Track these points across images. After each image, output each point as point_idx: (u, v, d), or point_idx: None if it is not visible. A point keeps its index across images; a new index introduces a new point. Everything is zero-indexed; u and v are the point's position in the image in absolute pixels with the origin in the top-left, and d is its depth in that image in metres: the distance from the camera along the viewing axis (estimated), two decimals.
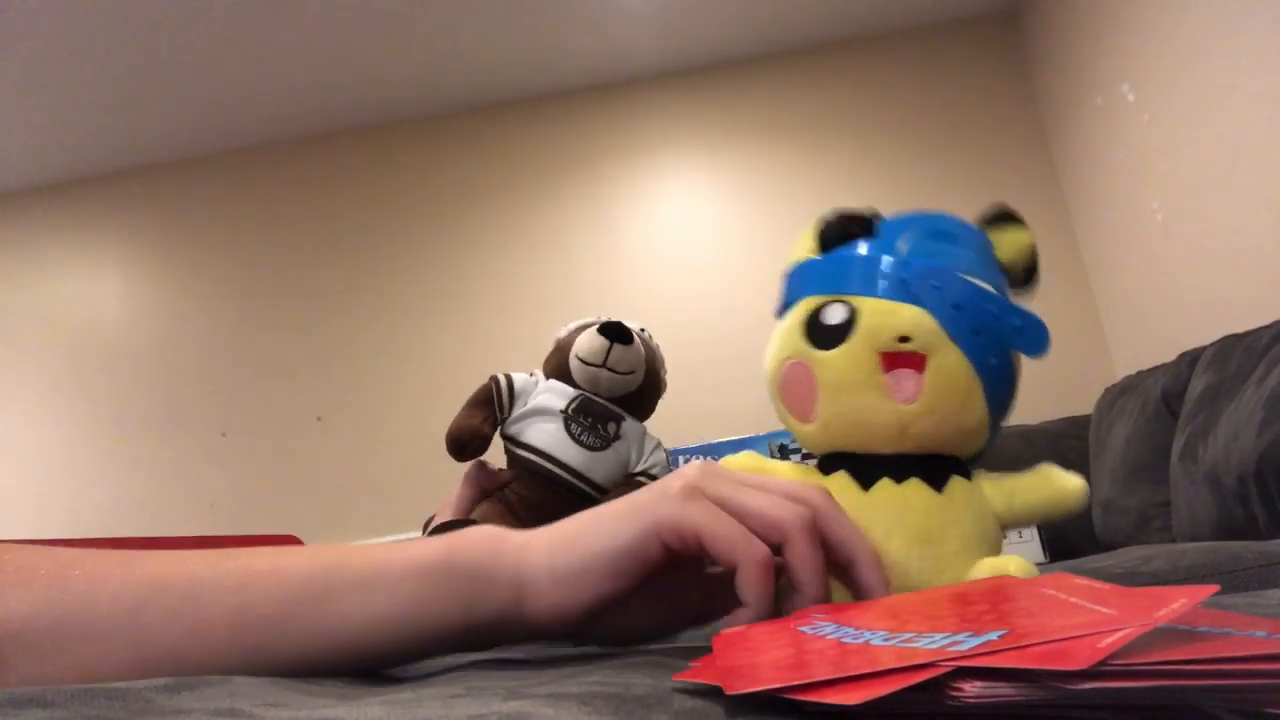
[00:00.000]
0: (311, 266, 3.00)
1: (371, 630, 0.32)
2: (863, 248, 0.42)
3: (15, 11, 2.27)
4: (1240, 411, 1.39)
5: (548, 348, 0.71)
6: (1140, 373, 1.97)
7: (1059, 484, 0.40)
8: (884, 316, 0.39)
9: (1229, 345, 1.59)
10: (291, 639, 0.31)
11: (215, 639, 0.30)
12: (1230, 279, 1.93)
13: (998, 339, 0.39)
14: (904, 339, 0.38)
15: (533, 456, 0.64)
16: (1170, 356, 1.85)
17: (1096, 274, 2.62)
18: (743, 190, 2.88)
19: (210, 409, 2.92)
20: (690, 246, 2.86)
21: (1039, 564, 1.66)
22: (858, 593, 0.34)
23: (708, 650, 0.30)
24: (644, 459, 0.68)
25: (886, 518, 0.39)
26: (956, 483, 0.40)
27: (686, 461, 0.78)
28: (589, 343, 0.65)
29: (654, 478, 0.68)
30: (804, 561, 0.32)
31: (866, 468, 0.41)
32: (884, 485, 0.40)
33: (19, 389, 3.01)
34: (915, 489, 0.40)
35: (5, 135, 2.82)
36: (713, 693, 0.24)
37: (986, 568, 0.37)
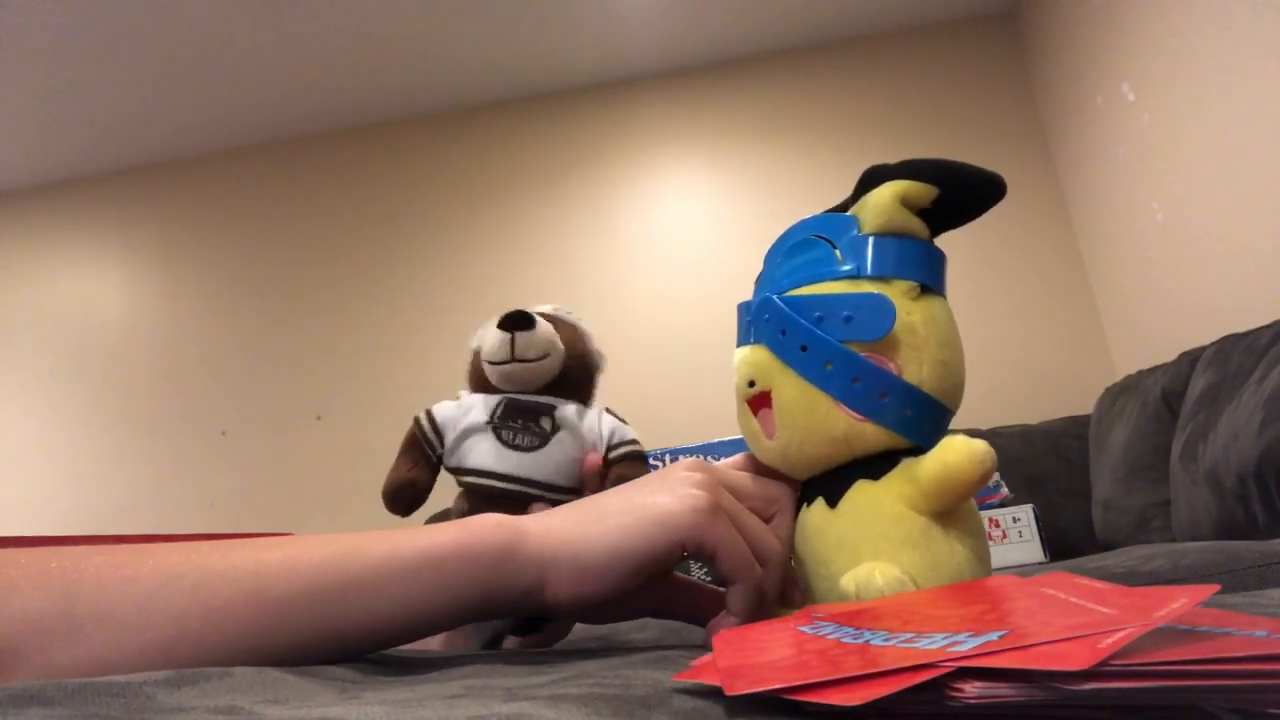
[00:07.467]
0: (311, 266, 3.00)
1: (388, 615, 0.33)
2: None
3: (15, 11, 2.27)
4: (1240, 411, 1.39)
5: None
6: (1140, 372, 1.97)
7: (945, 448, 0.35)
8: (738, 368, 0.41)
9: (1229, 345, 1.59)
10: (308, 625, 0.32)
11: (231, 625, 0.30)
12: (1230, 279, 1.93)
13: (825, 345, 0.37)
14: (751, 383, 0.40)
15: (475, 479, 0.60)
16: (1170, 356, 1.85)
17: (1096, 274, 2.62)
18: (742, 189, 2.88)
19: (210, 408, 2.92)
20: (690, 245, 2.86)
21: (1039, 564, 1.65)
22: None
23: (708, 650, 0.30)
24: (608, 439, 0.63)
25: (799, 546, 0.41)
26: (856, 491, 0.38)
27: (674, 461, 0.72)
28: (491, 340, 0.60)
29: (638, 453, 0.64)
30: (772, 588, 0.40)
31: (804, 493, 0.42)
32: (802, 513, 0.41)
33: (19, 388, 3.01)
34: (816, 512, 0.39)
35: (5, 135, 2.82)
36: (713, 693, 0.24)
37: (849, 578, 0.35)
